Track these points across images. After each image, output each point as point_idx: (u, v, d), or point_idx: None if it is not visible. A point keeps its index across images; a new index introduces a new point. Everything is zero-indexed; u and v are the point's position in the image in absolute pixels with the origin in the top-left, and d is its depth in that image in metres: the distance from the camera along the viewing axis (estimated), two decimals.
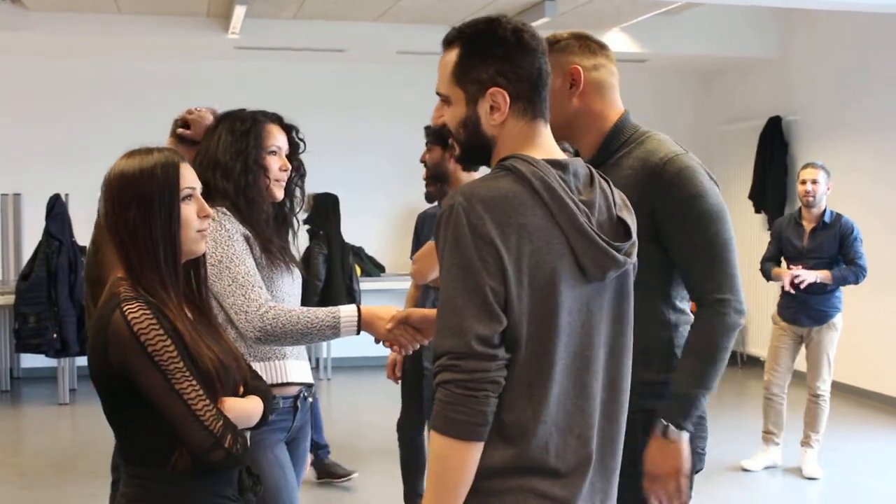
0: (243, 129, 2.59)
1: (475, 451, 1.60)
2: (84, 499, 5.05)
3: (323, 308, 2.46)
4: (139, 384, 1.87)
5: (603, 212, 1.72)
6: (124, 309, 1.87)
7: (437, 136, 3.68)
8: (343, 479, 5.16)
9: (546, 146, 1.74)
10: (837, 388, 7.55)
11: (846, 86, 7.59)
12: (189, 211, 1.97)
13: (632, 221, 1.76)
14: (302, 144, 2.75)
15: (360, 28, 7.67)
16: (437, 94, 1.78)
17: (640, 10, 7.05)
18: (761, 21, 8.23)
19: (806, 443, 5.53)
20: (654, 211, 2.15)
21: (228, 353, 2.05)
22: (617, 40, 7.71)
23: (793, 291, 5.25)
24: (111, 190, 1.96)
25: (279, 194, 2.64)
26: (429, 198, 3.83)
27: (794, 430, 5.95)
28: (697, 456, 2.22)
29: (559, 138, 2.38)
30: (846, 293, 7.46)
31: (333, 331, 2.38)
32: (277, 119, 2.69)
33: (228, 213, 2.53)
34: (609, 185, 1.78)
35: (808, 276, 5.19)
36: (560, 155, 1.75)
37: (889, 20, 6.99)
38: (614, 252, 1.67)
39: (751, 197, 8.28)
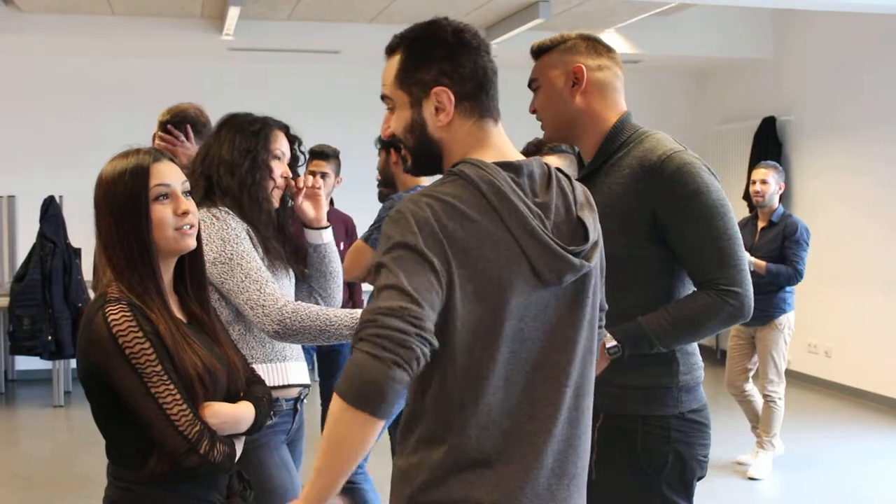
0: (253, 129, 2.60)
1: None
2: (79, 501, 5.04)
3: (342, 309, 2.47)
4: (115, 386, 1.87)
5: (560, 213, 1.68)
6: (105, 310, 1.87)
7: (381, 140, 3.84)
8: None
9: (498, 146, 1.70)
10: (838, 388, 7.57)
11: (840, 86, 7.60)
12: (163, 211, 1.95)
13: (593, 221, 1.71)
14: (301, 158, 2.76)
15: (355, 29, 7.66)
16: (381, 98, 1.74)
17: (634, 10, 7.04)
18: (755, 22, 8.24)
19: (758, 443, 5.54)
20: (655, 210, 2.11)
21: (221, 358, 2.03)
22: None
23: None
24: (95, 193, 1.98)
25: (276, 201, 2.64)
26: (380, 197, 4.13)
27: (791, 430, 5.96)
28: (699, 463, 2.19)
29: (561, 139, 2.39)
30: (849, 292, 7.48)
31: (351, 332, 2.37)
32: (284, 127, 2.70)
33: (231, 211, 2.52)
34: (570, 184, 1.73)
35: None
36: (514, 155, 1.70)
37: (883, 21, 7.00)
38: (570, 256, 1.62)
39: (745, 197, 8.28)
